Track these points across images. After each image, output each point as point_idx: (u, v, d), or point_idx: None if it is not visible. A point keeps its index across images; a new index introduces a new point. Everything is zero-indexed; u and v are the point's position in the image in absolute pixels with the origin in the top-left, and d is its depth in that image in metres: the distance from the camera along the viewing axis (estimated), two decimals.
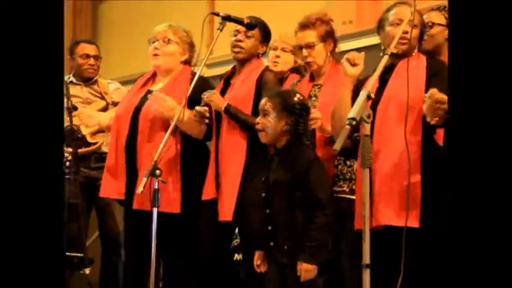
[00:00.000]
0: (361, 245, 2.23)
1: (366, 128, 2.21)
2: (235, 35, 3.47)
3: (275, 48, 3.73)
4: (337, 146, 2.15)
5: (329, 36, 3.33)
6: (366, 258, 2.21)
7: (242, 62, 3.51)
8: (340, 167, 3.22)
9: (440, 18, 3.36)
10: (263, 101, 3.01)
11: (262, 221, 2.95)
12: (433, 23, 3.33)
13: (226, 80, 3.58)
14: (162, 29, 3.57)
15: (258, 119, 3.00)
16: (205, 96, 3.34)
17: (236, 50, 3.47)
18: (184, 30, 3.61)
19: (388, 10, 2.99)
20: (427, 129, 2.81)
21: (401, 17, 2.84)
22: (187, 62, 3.61)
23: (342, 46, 3.65)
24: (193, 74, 3.45)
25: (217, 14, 3.30)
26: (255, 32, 3.45)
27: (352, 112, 2.17)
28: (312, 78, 3.42)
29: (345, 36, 4.42)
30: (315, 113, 3.09)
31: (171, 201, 3.31)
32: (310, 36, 3.29)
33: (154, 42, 3.55)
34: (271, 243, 2.89)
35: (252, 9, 5.40)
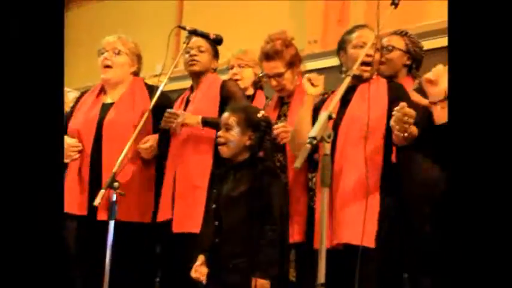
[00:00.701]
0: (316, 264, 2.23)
1: (326, 148, 2.22)
2: (188, 52, 3.49)
3: (232, 67, 3.77)
4: (298, 163, 2.16)
5: (295, 60, 3.35)
6: (321, 278, 2.20)
7: (198, 76, 3.52)
8: (314, 180, 3.20)
9: (400, 43, 3.43)
10: (226, 114, 3.02)
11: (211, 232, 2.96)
12: (393, 47, 3.39)
13: (187, 99, 3.58)
14: (111, 40, 3.58)
15: (221, 133, 3.00)
16: (178, 120, 3.33)
17: (192, 63, 3.48)
18: (132, 41, 3.63)
19: (350, 32, 3.03)
20: (389, 150, 2.86)
21: (365, 40, 2.88)
22: (136, 74, 3.63)
23: (308, 65, 3.69)
24: (147, 86, 3.46)
25: (184, 28, 3.32)
26: (208, 47, 3.49)
27: (313, 131, 2.19)
28: (282, 97, 3.45)
29: (310, 55, 4.46)
30: (284, 127, 3.11)
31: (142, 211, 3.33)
32: (278, 67, 3.29)
33: (103, 53, 3.54)
34: (218, 264, 2.89)
35: (220, 15, 5.46)
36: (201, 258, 2.95)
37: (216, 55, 3.56)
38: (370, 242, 2.72)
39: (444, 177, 2.71)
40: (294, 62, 3.31)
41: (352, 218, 2.73)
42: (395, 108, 2.55)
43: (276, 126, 3.18)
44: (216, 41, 3.23)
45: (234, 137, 2.96)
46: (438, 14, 3.82)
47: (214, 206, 3.00)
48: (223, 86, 3.45)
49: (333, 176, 2.90)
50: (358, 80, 2.94)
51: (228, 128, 2.98)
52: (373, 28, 2.72)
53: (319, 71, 3.51)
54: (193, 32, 3.20)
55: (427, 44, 3.87)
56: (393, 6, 2.45)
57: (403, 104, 2.54)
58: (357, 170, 2.76)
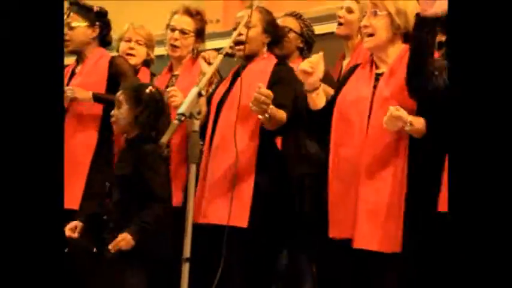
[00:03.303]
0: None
1: (195, 125, 2.23)
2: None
3: (128, 40, 3.73)
4: (165, 139, 2.18)
5: (202, 34, 3.45)
6: (187, 252, 2.23)
7: (81, 50, 3.50)
8: None
9: (296, 25, 3.48)
10: (118, 93, 3.03)
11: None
12: (290, 29, 3.44)
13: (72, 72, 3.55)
14: None
15: (113, 111, 3.00)
16: (67, 94, 3.31)
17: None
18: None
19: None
20: (267, 134, 2.92)
21: (239, 21, 2.93)
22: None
23: (208, 45, 3.71)
24: None
25: None
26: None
27: (182, 108, 2.20)
28: (171, 68, 3.47)
29: (211, 34, 4.46)
30: (174, 91, 3.13)
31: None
32: (189, 24, 3.37)
33: None
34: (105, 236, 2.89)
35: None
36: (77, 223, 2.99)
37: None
38: (242, 222, 2.78)
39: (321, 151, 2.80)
40: (199, 34, 3.45)
41: (222, 198, 2.78)
42: (256, 89, 2.61)
43: (167, 89, 3.21)
44: (100, 14, 3.20)
45: (122, 114, 2.96)
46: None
47: (108, 184, 3.01)
48: (112, 62, 3.43)
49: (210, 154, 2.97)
50: (248, 59, 3.00)
51: (118, 106, 2.98)
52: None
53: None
54: (76, 3, 3.16)
55: (322, 29, 3.95)
56: None
57: (260, 84, 2.61)
58: (229, 151, 2.81)
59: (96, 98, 3.32)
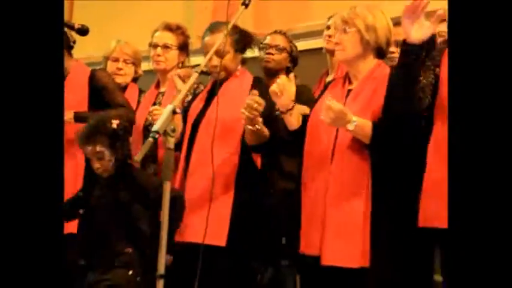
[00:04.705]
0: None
1: (170, 142, 2.24)
2: None
3: (116, 60, 3.75)
4: (139, 157, 2.18)
5: (185, 48, 3.48)
6: (161, 269, 2.24)
7: None
8: None
9: (286, 43, 3.52)
10: (90, 147, 2.95)
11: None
12: (284, 49, 3.48)
13: None
14: None
15: (96, 165, 2.97)
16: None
17: None
18: None
19: None
20: (247, 151, 2.93)
21: (207, 48, 2.99)
22: None
23: (197, 60, 3.72)
24: None
25: None
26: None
27: (156, 125, 2.21)
28: (158, 85, 3.48)
29: (199, 50, 4.48)
30: (156, 110, 3.14)
31: None
32: (170, 38, 3.42)
33: None
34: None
35: (110, 11, 5.42)
36: None
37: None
38: (220, 241, 2.80)
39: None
40: (183, 48, 3.51)
41: (201, 216, 2.79)
42: (249, 96, 2.66)
43: (150, 108, 3.24)
44: (80, 32, 3.20)
45: (106, 162, 2.96)
46: (321, 15, 3.89)
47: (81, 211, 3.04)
48: (93, 76, 3.39)
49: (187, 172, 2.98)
50: (225, 76, 3.01)
51: (100, 157, 2.95)
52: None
53: None
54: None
55: (311, 44, 3.97)
56: (243, 7, 2.49)
57: (255, 91, 2.64)
58: (208, 168, 2.81)
59: (78, 118, 3.25)
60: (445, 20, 2.94)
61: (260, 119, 2.73)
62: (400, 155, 2.48)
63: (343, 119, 2.45)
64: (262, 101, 2.69)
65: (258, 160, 3.03)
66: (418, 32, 2.39)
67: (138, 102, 3.64)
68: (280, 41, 3.52)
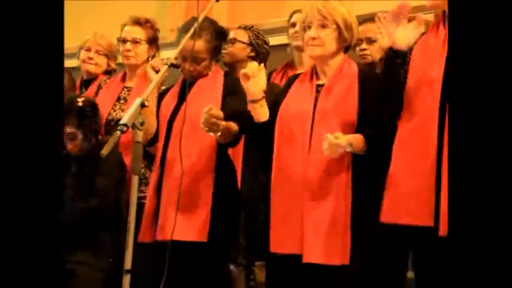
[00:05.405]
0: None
1: (138, 135, 2.20)
2: None
3: (88, 49, 3.71)
4: (105, 150, 2.14)
5: (154, 41, 3.45)
6: (128, 264, 2.21)
7: None
8: (143, 170, 3.21)
9: (244, 36, 3.58)
10: (69, 129, 2.96)
11: None
12: (235, 40, 3.53)
13: None
14: None
15: (70, 147, 2.97)
16: None
17: None
18: None
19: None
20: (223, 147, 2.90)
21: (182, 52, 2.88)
22: None
23: (170, 53, 3.68)
24: None
25: None
26: None
27: (125, 118, 2.17)
28: (123, 78, 3.44)
29: (173, 43, 4.44)
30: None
31: None
32: (139, 33, 3.38)
33: None
34: None
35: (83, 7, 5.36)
36: None
37: None
38: (201, 237, 2.78)
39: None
40: (152, 42, 3.47)
41: (178, 214, 2.74)
42: (204, 110, 2.61)
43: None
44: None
45: (80, 140, 2.97)
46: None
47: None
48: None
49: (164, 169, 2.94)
50: (197, 76, 2.99)
51: (72, 138, 2.95)
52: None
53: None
54: None
55: (284, 39, 3.96)
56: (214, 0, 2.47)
57: (210, 106, 2.60)
58: (185, 166, 2.78)
59: None
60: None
61: (223, 122, 2.66)
62: (379, 153, 2.47)
63: (342, 147, 2.45)
64: (220, 114, 2.64)
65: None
66: (404, 37, 2.38)
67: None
68: (238, 34, 3.57)
